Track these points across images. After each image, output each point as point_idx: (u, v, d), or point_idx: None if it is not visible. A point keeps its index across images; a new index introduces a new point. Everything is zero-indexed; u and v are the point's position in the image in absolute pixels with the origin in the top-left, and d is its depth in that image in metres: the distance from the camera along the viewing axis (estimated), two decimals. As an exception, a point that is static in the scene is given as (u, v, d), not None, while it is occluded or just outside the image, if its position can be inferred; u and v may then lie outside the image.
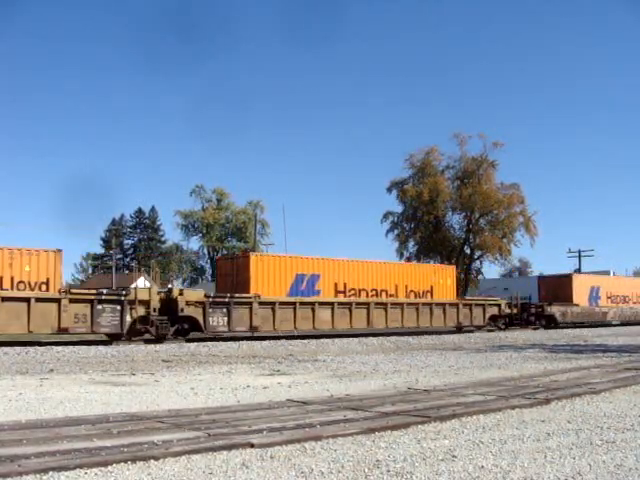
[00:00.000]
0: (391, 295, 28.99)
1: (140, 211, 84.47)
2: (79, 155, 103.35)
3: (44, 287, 21.19)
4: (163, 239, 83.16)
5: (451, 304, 30.84)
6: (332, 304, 26.48)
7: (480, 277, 56.41)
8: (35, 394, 8.91)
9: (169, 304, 23.01)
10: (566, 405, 7.76)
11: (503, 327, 33.67)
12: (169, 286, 42.18)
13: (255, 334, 25.28)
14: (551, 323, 36.65)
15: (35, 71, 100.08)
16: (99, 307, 21.45)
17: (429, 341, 24.64)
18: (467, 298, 35.82)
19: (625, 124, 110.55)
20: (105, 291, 22.69)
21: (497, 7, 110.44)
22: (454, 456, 5.07)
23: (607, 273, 61.54)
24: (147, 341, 22.24)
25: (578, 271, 62.54)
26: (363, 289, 28.31)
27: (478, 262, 56.75)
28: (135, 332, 22.39)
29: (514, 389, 9.06)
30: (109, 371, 12.79)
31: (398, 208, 56.20)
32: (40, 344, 20.23)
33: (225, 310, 23.86)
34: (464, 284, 49.87)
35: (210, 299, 23.67)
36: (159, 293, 23.66)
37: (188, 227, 68.07)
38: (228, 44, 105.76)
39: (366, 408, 7.24)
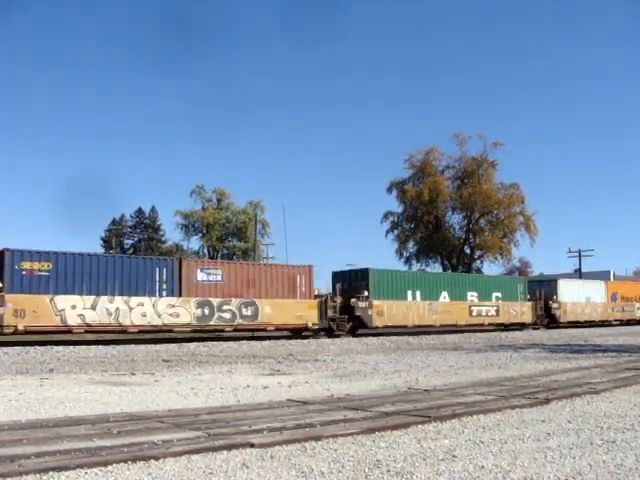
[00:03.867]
0: None
1: (140, 211, 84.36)
2: (79, 155, 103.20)
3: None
4: (163, 239, 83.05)
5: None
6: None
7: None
8: (35, 394, 8.90)
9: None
10: (566, 405, 7.76)
11: None
12: None
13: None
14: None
15: (35, 71, 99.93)
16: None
17: (429, 341, 24.67)
18: None
19: (625, 124, 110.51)
20: None
21: (497, 7, 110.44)
22: (454, 456, 5.06)
23: (607, 273, 61.55)
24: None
25: (578, 271, 62.35)
26: None
27: (478, 262, 56.76)
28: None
29: (514, 389, 9.06)
30: (109, 371, 12.80)
31: (398, 208, 56.27)
32: (40, 344, 20.25)
33: None
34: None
35: None
36: None
37: (188, 227, 67.90)
38: (228, 44, 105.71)
39: (366, 408, 7.23)
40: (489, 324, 34.93)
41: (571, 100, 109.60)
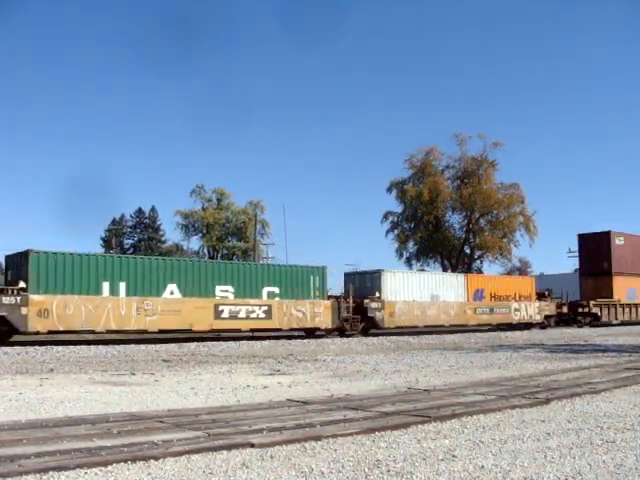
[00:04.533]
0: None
1: (140, 211, 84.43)
2: (79, 155, 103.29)
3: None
4: (163, 239, 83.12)
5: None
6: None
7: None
8: (35, 394, 8.90)
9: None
10: (566, 405, 7.76)
11: None
12: None
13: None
14: None
15: (35, 71, 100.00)
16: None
17: (429, 341, 24.66)
18: None
19: (625, 124, 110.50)
20: None
21: (497, 7, 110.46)
22: (454, 456, 5.06)
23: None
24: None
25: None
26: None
27: (478, 262, 56.79)
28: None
29: (514, 389, 9.06)
30: (109, 371, 12.80)
31: (398, 208, 56.33)
32: (40, 344, 20.27)
33: None
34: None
35: None
36: None
37: (188, 227, 67.90)
38: (228, 44, 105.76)
39: (366, 408, 7.23)
40: (254, 329, 26.38)
41: (571, 100, 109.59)
